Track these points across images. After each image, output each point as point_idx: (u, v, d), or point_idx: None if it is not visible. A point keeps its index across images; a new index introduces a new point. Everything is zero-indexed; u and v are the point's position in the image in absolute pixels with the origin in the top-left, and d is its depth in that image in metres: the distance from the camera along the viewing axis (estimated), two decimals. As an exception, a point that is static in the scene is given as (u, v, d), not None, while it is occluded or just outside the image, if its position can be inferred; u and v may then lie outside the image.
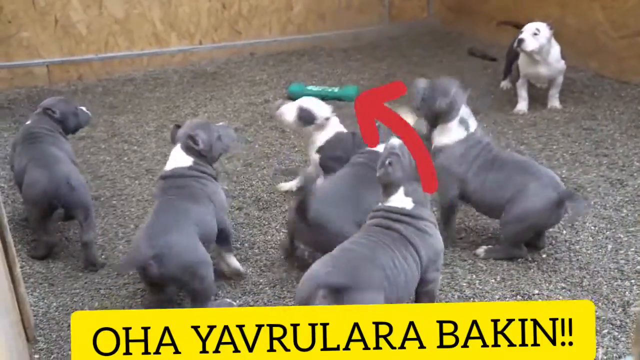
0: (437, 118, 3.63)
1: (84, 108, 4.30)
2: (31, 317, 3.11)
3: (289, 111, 4.05)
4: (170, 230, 3.00)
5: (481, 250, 3.63)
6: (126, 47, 6.58)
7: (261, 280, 3.48)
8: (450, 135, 3.60)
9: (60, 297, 3.39)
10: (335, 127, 4.09)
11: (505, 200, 3.46)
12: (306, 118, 4.01)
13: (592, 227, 3.82)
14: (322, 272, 2.66)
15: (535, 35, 5.13)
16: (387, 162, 2.96)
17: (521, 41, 5.12)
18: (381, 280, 2.69)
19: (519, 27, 5.94)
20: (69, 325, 3.14)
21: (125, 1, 6.45)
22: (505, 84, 5.99)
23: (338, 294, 2.57)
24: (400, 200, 2.95)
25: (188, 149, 3.34)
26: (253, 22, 7.08)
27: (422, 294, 2.98)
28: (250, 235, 3.89)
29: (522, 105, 5.48)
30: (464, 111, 3.61)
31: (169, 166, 3.36)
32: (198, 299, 3.05)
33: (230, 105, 5.83)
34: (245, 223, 4.01)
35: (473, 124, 3.63)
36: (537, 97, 5.64)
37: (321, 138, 4.04)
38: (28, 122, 4.05)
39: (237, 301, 3.32)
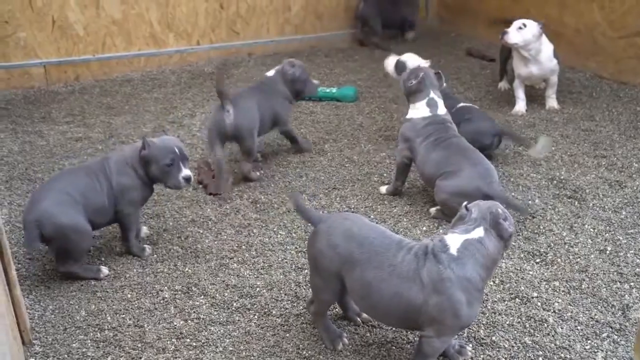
0: (409, 96, 4.19)
1: (315, 82, 4.85)
2: (27, 320, 3.09)
3: (389, 62, 4.92)
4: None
5: (433, 210, 4.07)
6: (124, 47, 6.57)
7: (258, 283, 3.46)
8: (417, 112, 4.13)
9: (56, 300, 3.37)
10: None
11: (440, 173, 3.95)
12: (400, 68, 4.72)
13: (591, 230, 3.81)
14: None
15: (520, 30, 5.14)
16: None
17: (504, 34, 5.16)
18: None
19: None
20: (65, 329, 3.15)
21: (123, 2, 6.44)
22: (503, 84, 5.98)
23: None
24: None
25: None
26: (251, 23, 7.06)
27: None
28: (247, 238, 3.87)
29: (520, 106, 5.47)
30: (434, 96, 4.11)
31: None
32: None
33: (227, 106, 5.80)
34: (242, 225, 3.99)
35: (441, 108, 4.12)
36: (536, 98, 5.63)
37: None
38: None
39: (234, 304, 3.30)
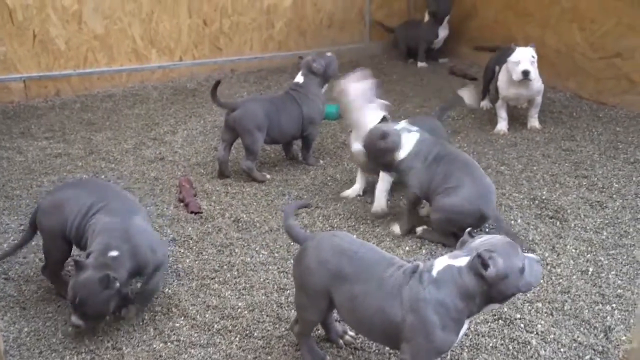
0: (392, 154, 3.91)
1: (329, 53, 4.99)
2: (1, 342, 2.98)
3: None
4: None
5: (419, 229, 3.97)
6: (105, 63, 6.52)
7: (240, 304, 3.41)
8: (404, 149, 3.91)
9: (32, 322, 3.29)
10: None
11: (442, 189, 3.83)
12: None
13: (573, 250, 3.82)
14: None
15: (533, 63, 5.16)
16: None
17: (527, 73, 5.12)
18: None
19: (493, 50, 6.05)
20: (41, 352, 3.08)
21: (105, 17, 6.40)
22: (485, 103, 6.01)
23: None
24: None
25: None
26: (234, 39, 7.06)
27: None
28: (229, 257, 3.82)
29: (502, 126, 5.50)
30: (404, 127, 3.96)
31: None
32: None
33: (210, 122, 5.78)
34: (224, 244, 3.95)
35: (413, 129, 3.97)
36: (518, 117, 5.67)
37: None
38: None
39: (215, 326, 3.25)
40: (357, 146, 4.23)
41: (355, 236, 3.91)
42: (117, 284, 3.03)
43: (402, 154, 3.90)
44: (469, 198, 3.77)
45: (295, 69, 7.08)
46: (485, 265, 2.52)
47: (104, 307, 3.07)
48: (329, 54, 5.03)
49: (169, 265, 3.74)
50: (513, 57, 5.17)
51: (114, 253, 3.10)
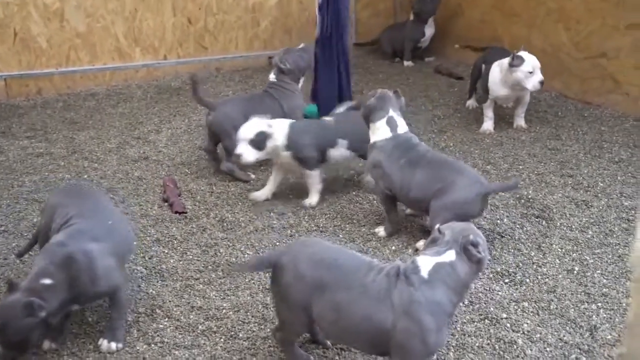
0: (368, 117, 3.95)
1: (302, 45, 5.04)
2: (-19, 345, 2.95)
3: (246, 152, 4.19)
4: None
5: (421, 244, 3.76)
6: (88, 61, 6.45)
7: (224, 305, 3.37)
8: (378, 133, 3.91)
9: (12, 324, 3.23)
10: (283, 123, 4.31)
11: (432, 192, 3.73)
12: (261, 142, 4.19)
13: (559, 249, 3.82)
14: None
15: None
16: None
17: (543, 83, 5.09)
18: None
19: (477, 49, 6.10)
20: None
21: (88, 15, 6.33)
22: (471, 102, 6.01)
23: None
24: None
25: None
26: (219, 38, 7.01)
27: None
28: (213, 257, 3.78)
29: (489, 125, 5.50)
30: (394, 115, 3.90)
31: None
32: None
33: (194, 121, 5.73)
34: (208, 244, 3.91)
35: (402, 127, 3.92)
36: (503, 116, 5.68)
37: (279, 138, 4.22)
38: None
39: (200, 327, 3.21)
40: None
41: (340, 236, 3.93)
42: (43, 313, 2.78)
43: (373, 137, 3.94)
44: (467, 187, 3.71)
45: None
46: (478, 251, 2.60)
47: (24, 335, 2.79)
48: (301, 45, 5.02)
49: (153, 266, 3.70)
50: (525, 67, 5.04)
51: (46, 281, 2.84)
